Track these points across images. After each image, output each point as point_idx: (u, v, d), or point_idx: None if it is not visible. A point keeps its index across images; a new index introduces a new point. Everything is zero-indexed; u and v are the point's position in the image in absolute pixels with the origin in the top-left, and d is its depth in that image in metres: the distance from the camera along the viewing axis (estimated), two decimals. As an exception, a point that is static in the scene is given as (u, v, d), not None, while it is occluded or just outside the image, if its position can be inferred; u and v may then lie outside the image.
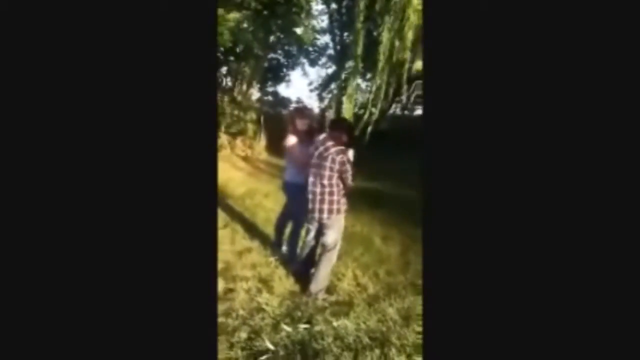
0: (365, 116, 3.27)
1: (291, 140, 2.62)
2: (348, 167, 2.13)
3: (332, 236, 2.22)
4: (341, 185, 2.18)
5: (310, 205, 2.23)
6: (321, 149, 2.17)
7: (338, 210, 2.19)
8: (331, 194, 2.16)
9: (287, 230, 2.83)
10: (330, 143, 2.16)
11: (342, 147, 2.18)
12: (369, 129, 3.17)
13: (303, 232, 2.58)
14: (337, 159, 2.11)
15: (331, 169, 2.12)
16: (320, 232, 2.29)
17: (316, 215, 2.21)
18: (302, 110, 2.93)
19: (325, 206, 2.18)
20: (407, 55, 3.17)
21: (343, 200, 2.23)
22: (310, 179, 2.22)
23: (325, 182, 2.14)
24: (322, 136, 2.26)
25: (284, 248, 2.83)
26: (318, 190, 2.18)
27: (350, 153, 2.27)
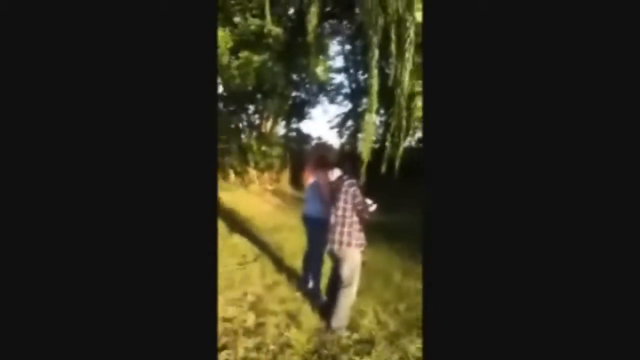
0: (387, 150, 3.42)
1: (311, 174, 2.76)
2: (360, 198, 2.19)
3: (346, 270, 2.24)
4: (355, 218, 2.22)
5: (326, 237, 2.31)
6: (336, 181, 2.30)
7: (349, 244, 2.21)
8: (342, 224, 2.21)
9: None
10: (344, 176, 2.28)
11: (354, 180, 2.25)
12: (395, 161, 3.31)
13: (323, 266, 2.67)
14: (349, 191, 2.19)
15: (345, 201, 2.20)
16: (335, 265, 2.34)
17: (329, 246, 2.29)
18: (322, 146, 3.07)
19: (336, 237, 2.23)
20: (417, 89, 3.33)
21: (358, 235, 2.25)
22: (329, 211, 2.32)
23: (339, 213, 2.22)
24: (336, 171, 2.36)
25: (311, 283, 2.89)
26: (332, 220, 2.26)
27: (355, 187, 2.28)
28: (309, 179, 2.82)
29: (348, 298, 2.31)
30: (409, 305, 2.69)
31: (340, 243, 2.24)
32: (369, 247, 3.95)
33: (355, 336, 2.31)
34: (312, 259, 2.86)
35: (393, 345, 2.19)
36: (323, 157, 2.63)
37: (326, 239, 2.33)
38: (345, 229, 2.22)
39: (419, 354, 2.07)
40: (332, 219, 2.26)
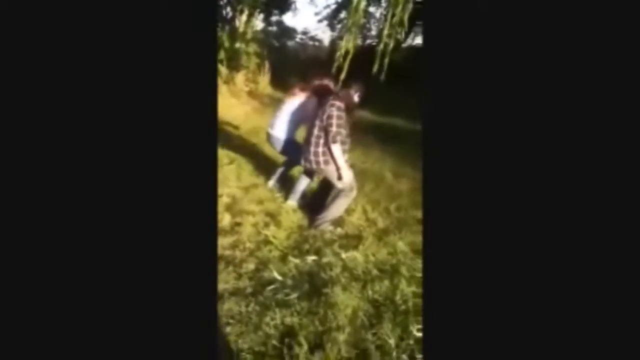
0: (380, 47, 2.93)
1: (302, 93, 2.71)
2: (333, 121, 2.12)
3: (346, 180, 2.21)
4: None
5: (305, 155, 2.29)
6: (327, 104, 2.21)
7: (326, 162, 2.20)
8: (317, 145, 2.20)
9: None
10: (336, 100, 2.20)
11: (340, 103, 2.17)
12: (385, 61, 2.87)
13: (302, 182, 2.60)
14: (327, 111, 2.14)
15: (321, 120, 2.17)
16: (326, 181, 2.37)
17: (310, 164, 2.27)
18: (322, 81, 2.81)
19: (321, 158, 2.21)
20: None
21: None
22: (311, 130, 2.29)
23: (316, 131, 2.20)
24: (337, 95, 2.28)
25: (271, 182, 2.87)
26: (313, 140, 2.23)
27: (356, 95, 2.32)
28: (298, 95, 2.75)
29: (347, 198, 2.29)
30: (399, 205, 2.59)
31: (318, 163, 2.22)
32: (361, 148, 3.83)
33: (341, 231, 2.24)
34: (285, 172, 2.89)
35: (381, 241, 2.10)
36: (323, 87, 2.54)
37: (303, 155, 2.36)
38: (320, 149, 2.19)
39: (406, 249, 2.00)
40: (313, 138, 2.21)
